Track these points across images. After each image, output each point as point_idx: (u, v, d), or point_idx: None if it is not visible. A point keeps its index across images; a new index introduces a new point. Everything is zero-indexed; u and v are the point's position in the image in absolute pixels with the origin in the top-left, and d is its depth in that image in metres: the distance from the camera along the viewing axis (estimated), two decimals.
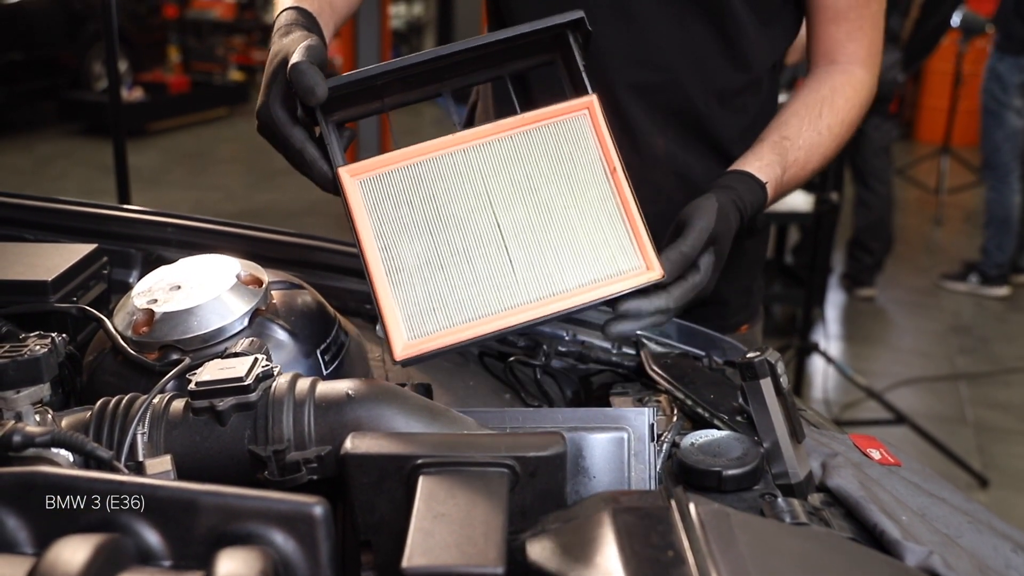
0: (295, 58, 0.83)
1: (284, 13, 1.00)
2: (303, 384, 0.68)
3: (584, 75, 0.93)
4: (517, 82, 1.12)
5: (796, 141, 1.09)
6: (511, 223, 0.86)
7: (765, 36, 1.17)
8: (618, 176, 0.90)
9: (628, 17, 1.14)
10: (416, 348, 0.80)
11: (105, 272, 0.99)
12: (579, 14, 0.89)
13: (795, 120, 1.11)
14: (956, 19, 4.87)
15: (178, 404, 0.68)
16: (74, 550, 0.46)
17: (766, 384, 0.73)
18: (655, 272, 0.87)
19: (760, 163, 1.05)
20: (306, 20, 0.99)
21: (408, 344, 0.80)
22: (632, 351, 1.04)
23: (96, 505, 0.52)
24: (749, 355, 0.74)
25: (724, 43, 1.15)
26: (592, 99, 0.92)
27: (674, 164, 1.18)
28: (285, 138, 0.87)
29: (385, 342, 0.81)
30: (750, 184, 1.02)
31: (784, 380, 0.74)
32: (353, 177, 0.85)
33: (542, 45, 0.94)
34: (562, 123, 0.91)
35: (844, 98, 1.14)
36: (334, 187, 0.86)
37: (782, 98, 1.32)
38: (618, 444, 0.74)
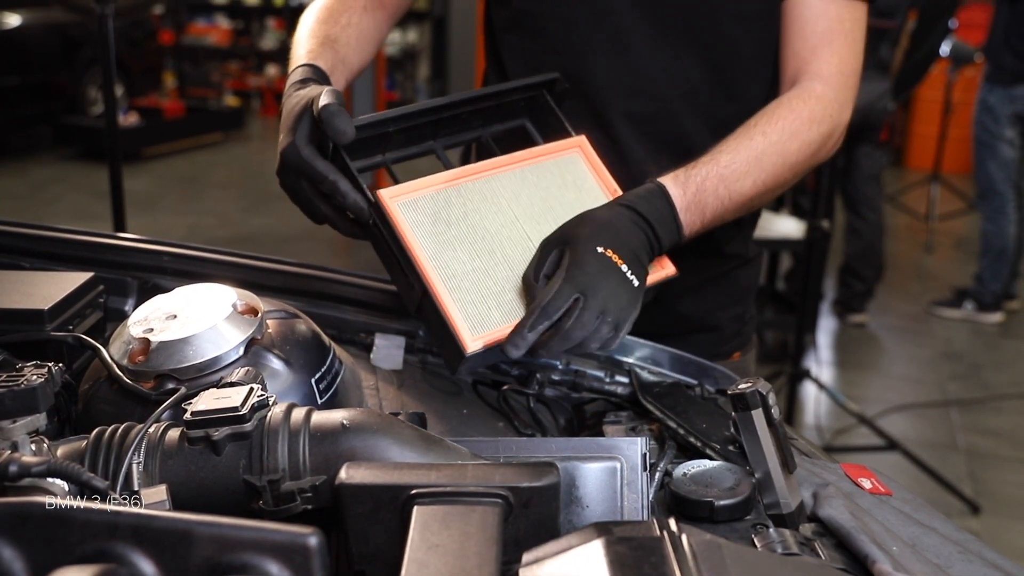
0: (324, 100, 0.90)
1: (299, 68, 1.07)
2: (298, 414, 0.69)
3: (566, 123, 1.09)
4: (520, 137, 1.18)
5: (717, 148, 1.06)
6: (539, 235, 0.98)
7: (760, 66, 1.18)
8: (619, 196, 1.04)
9: (622, 48, 1.16)
10: (483, 340, 0.91)
11: (101, 300, 1.00)
12: (555, 75, 1.09)
13: (727, 138, 1.08)
14: (945, 48, 4.94)
15: (173, 433, 0.68)
16: None
17: (757, 415, 0.73)
18: (669, 269, 1.03)
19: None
20: (319, 76, 1.06)
21: (476, 337, 0.90)
22: (625, 379, 1.05)
23: (92, 536, 0.52)
24: (740, 386, 0.75)
25: (717, 74, 1.17)
26: (581, 139, 1.08)
27: None
28: (316, 172, 0.93)
29: (455, 338, 0.90)
30: (643, 185, 1.02)
31: (775, 411, 0.75)
32: (392, 199, 0.93)
33: (516, 109, 1.10)
34: (560, 159, 1.06)
35: (789, 109, 1.09)
36: (368, 215, 0.93)
37: None
38: (611, 474, 0.74)
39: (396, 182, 0.98)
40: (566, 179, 1.04)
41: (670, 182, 1.02)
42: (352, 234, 0.99)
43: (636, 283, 0.93)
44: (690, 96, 1.17)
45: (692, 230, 1.03)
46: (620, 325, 0.91)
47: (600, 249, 0.92)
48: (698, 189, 1.03)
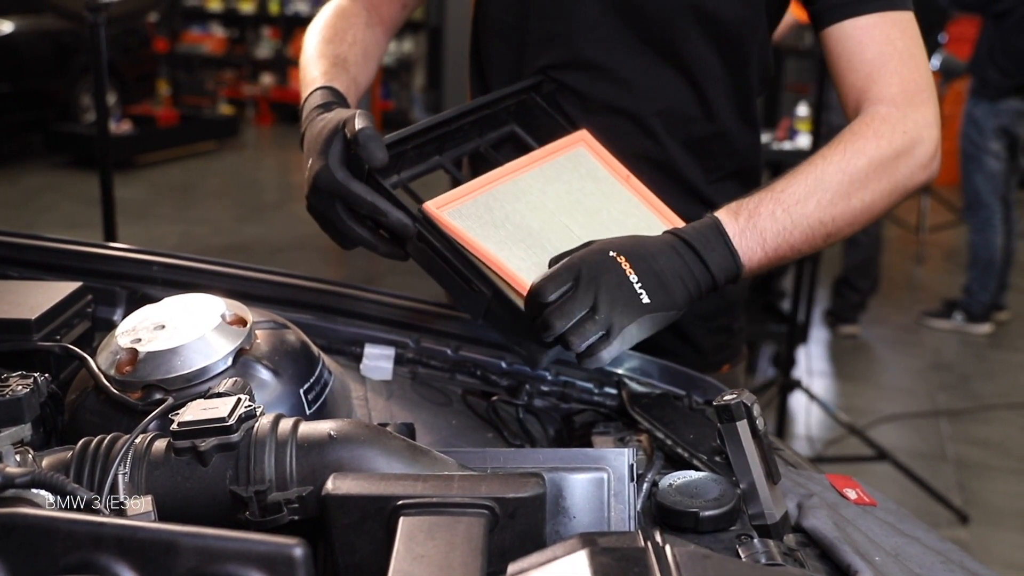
0: (360, 124, 0.92)
1: (318, 91, 1.07)
2: (285, 424, 0.69)
3: (560, 120, 1.15)
4: (513, 142, 1.22)
5: (773, 181, 1.03)
6: (578, 225, 1.01)
7: (735, 89, 1.19)
8: (632, 182, 1.11)
9: (597, 65, 1.17)
10: None
11: (89, 310, 1.00)
12: (540, 78, 1.17)
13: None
14: (936, 62, 4.98)
15: (160, 444, 0.68)
16: None
17: (742, 426, 0.74)
18: None
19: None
20: (339, 99, 1.07)
21: None
22: (614, 390, 1.05)
23: (76, 547, 0.52)
24: (726, 397, 0.75)
25: (693, 93, 1.17)
26: (583, 133, 1.12)
27: None
28: (354, 195, 0.94)
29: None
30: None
31: (760, 422, 0.75)
32: (439, 209, 0.95)
33: (505, 116, 1.17)
34: (569, 154, 1.10)
35: (849, 131, 1.04)
36: (412, 231, 0.94)
37: (765, 138, 1.34)
38: (598, 484, 0.75)
39: (416, 200, 0.99)
40: (581, 172, 1.08)
41: (722, 213, 0.98)
42: (390, 254, 0.99)
43: (645, 299, 0.88)
44: (666, 114, 1.17)
45: (753, 257, 0.97)
46: (612, 331, 0.85)
47: (612, 253, 0.89)
48: (751, 213, 0.97)
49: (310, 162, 0.97)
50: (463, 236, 0.93)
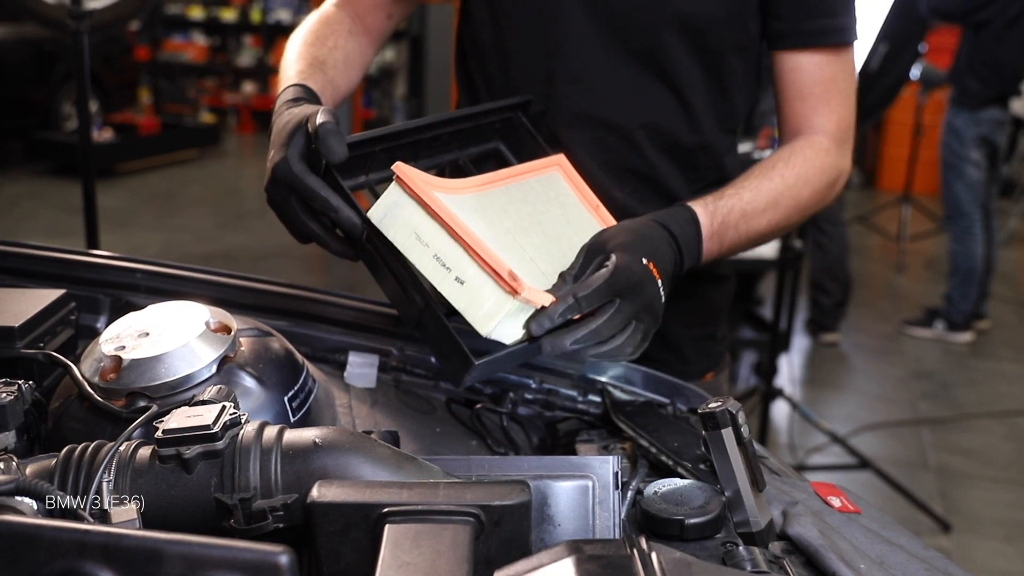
0: (321, 118, 0.91)
1: (290, 88, 1.08)
2: (270, 432, 0.69)
3: (542, 142, 1.13)
4: (495, 159, 1.21)
5: (740, 183, 1.12)
6: (533, 247, 0.99)
7: (717, 101, 1.20)
8: (601, 212, 1.08)
9: (581, 78, 1.17)
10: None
11: (73, 318, 0.99)
12: (529, 97, 1.15)
13: (747, 175, 1.14)
14: (916, 72, 5.03)
15: (144, 452, 0.68)
16: None
17: (727, 434, 0.74)
18: None
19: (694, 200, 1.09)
20: (311, 96, 1.07)
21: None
22: (597, 398, 1.05)
23: (60, 554, 0.52)
24: (711, 405, 0.75)
25: (677, 106, 1.18)
26: (560, 158, 1.10)
27: (634, 216, 1.21)
28: (308, 188, 0.93)
29: (462, 348, 0.90)
30: (674, 207, 1.08)
31: (745, 429, 0.76)
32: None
33: (490, 132, 1.15)
34: (542, 176, 1.07)
35: (803, 157, 1.15)
36: (360, 231, 0.93)
37: (746, 147, 1.36)
38: (583, 492, 0.75)
39: None
40: (549, 195, 1.06)
41: (700, 209, 1.06)
42: (340, 253, 0.98)
43: (663, 299, 0.96)
44: (650, 127, 1.19)
45: (708, 259, 1.07)
46: (648, 335, 0.93)
47: (644, 260, 0.94)
48: (723, 221, 1.08)
49: (271, 153, 0.97)
50: (433, 200, 0.88)
